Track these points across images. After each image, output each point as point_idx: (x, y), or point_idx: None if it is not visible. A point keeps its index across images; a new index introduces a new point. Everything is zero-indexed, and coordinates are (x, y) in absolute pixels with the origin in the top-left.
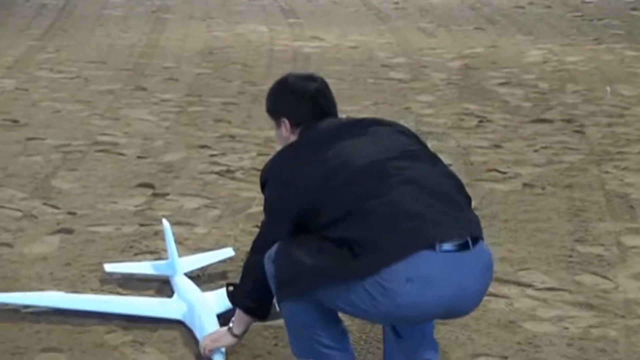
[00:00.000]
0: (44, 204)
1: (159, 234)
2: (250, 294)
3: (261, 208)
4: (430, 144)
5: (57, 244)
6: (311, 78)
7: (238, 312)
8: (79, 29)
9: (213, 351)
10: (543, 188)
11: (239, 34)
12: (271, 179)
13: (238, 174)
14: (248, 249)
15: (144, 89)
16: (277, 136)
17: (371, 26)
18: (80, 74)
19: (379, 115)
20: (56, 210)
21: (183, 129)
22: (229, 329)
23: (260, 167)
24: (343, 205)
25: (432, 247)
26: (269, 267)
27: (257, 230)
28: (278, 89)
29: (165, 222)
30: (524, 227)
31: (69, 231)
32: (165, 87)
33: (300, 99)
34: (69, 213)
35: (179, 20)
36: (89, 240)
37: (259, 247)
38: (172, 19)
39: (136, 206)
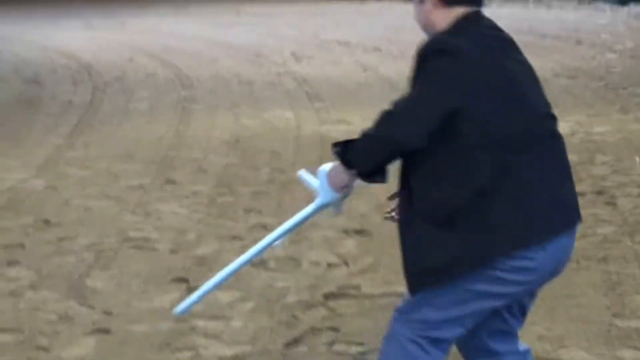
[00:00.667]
0: (79, 304)
1: (195, 329)
2: (363, 153)
3: (297, 298)
4: None
5: (93, 345)
6: None
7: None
8: (106, 124)
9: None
10: (577, 262)
11: (266, 121)
12: (438, 53)
13: (271, 264)
14: (284, 340)
15: (173, 182)
16: (416, 12)
17: None
18: (109, 170)
19: None
20: (91, 310)
21: (214, 220)
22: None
23: (293, 256)
24: (502, 143)
25: (557, 235)
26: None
27: (293, 320)
28: None
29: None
30: (560, 303)
31: (106, 331)
32: (195, 179)
33: None
34: (105, 312)
35: (205, 110)
36: (126, 340)
37: (392, 120)
38: (198, 109)
39: (171, 302)
